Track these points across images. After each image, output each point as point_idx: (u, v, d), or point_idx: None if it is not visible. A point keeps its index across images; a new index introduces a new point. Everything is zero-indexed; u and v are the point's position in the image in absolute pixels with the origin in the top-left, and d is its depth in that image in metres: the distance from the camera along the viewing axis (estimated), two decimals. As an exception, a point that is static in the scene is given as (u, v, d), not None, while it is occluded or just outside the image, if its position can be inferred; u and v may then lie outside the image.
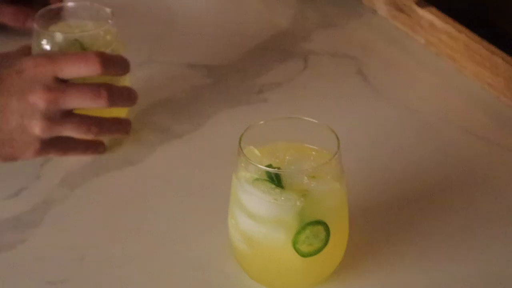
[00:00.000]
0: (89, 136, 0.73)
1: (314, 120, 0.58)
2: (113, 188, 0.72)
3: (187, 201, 0.69)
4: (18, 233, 0.64)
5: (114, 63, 0.74)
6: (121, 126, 0.77)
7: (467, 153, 0.76)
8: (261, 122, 0.59)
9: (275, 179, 0.52)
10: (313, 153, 0.56)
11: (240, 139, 0.54)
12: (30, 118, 0.70)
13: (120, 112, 0.78)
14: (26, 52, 0.79)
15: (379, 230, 0.64)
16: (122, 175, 0.74)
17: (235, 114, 0.82)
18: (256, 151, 0.55)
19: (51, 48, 0.78)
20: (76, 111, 0.72)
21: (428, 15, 0.91)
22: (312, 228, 0.51)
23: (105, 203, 0.70)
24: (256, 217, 0.53)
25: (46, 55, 0.75)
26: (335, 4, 1.05)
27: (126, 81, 0.77)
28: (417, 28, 0.95)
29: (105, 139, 0.76)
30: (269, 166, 0.52)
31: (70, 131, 0.72)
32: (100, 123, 0.74)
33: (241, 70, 0.91)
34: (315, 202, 0.52)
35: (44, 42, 0.78)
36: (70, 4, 0.83)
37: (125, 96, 0.75)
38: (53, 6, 0.82)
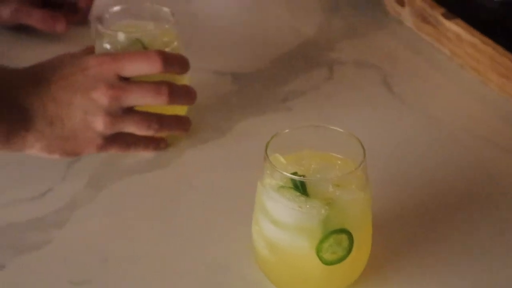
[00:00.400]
0: (149, 133, 0.74)
1: (339, 129, 0.58)
2: (138, 191, 0.72)
3: (211, 206, 0.69)
4: (43, 233, 0.65)
5: (174, 62, 0.75)
6: (181, 123, 0.77)
7: (490, 163, 0.76)
8: (287, 130, 0.58)
9: (300, 187, 0.51)
10: (339, 162, 0.56)
11: (267, 146, 0.54)
12: (93, 114, 0.71)
13: (180, 110, 0.79)
14: (90, 52, 0.80)
15: (402, 239, 0.63)
16: (147, 178, 0.74)
17: (261, 121, 0.82)
18: (282, 159, 0.55)
19: (114, 47, 0.79)
20: (138, 108, 0.73)
21: (454, 27, 0.90)
22: (336, 237, 0.51)
23: (130, 206, 0.70)
24: (281, 224, 0.52)
25: (109, 54, 0.76)
26: (361, 14, 1.06)
27: (185, 79, 0.78)
28: (442, 39, 0.94)
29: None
30: (295, 173, 0.51)
31: (131, 128, 0.73)
32: (160, 120, 0.75)
33: (266, 78, 0.91)
34: (339, 211, 0.52)
35: (106, 41, 0.79)
36: (131, 5, 0.85)
37: (185, 94, 0.76)
38: (115, 8, 0.83)
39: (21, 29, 1.00)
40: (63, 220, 0.67)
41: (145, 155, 0.76)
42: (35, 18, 0.99)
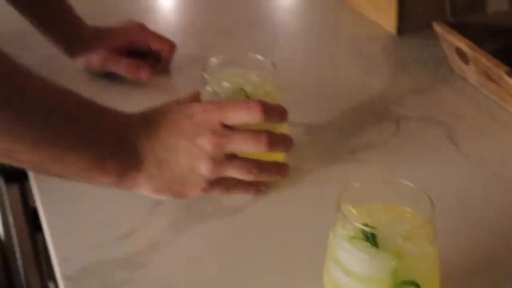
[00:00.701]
0: (249, 178, 0.75)
1: (409, 183, 0.58)
2: (215, 235, 0.73)
3: (284, 254, 0.69)
4: (127, 272, 0.67)
5: (274, 112, 0.76)
6: (279, 169, 0.78)
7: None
8: (358, 183, 0.59)
9: (371, 238, 0.52)
10: (408, 215, 0.56)
11: (339, 197, 0.55)
12: (198, 159, 0.72)
13: (278, 156, 0.79)
14: (196, 98, 0.82)
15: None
16: (224, 223, 0.75)
17: (331, 171, 0.82)
18: (353, 210, 0.56)
19: (218, 95, 0.81)
20: (239, 154, 0.74)
21: None
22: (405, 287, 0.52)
23: (207, 250, 0.71)
24: (352, 274, 0.53)
25: (214, 102, 0.78)
26: (426, 71, 1.05)
27: (283, 128, 0.79)
28: (507, 97, 0.94)
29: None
30: (365, 225, 0.52)
31: (233, 172, 0.74)
32: (260, 166, 0.75)
33: (337, 130, 0.91)
34: (408, 263, 0.53)
35: (211, 89, 0.81)
36: (235, 54, 0.88)
37: (283, 142, 0.76)
38: (219, 57, 0.85)
39: (109, 76, 1.02)
40: (145, 260, 0.69)
41: (225, 199, 0.77)
42: (122, 66, 1.02)
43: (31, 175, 0.86)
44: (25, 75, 0.69)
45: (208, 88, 0.81)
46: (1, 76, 0.65)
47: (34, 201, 0.84)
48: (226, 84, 0.81)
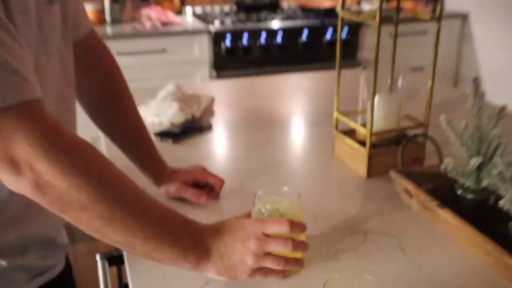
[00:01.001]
0: (279, 267, 0.77)
1: (370, 277, 0.62)
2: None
3: None
4: None
5: (297, 227, 0.77)
6: (298, 262, 0.80)
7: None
8: (337, 275, 0.62)
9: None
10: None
11: (324, 285, 0.60)
12: (247, 254, 0.74)
13: (298, 254, 0.81)
14: (248, 215, 0.84)
15: None
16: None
17: (321, 267, 0.83)
18: None
19: (263, 214, 0.82)
20: (274, 252, 0.77)
21: (444, 213, 0.91)
22: None
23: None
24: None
25: (259, 219, 0.79)
26: (385, 202, 1.05)
27: (302, 236, 0.80)
28: (437, 220, 0.95)
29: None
30: None
31: (269, 264, 0.76)
32: (286, 260, 0.77)
33: (325, 238, 0.92)
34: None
35: (259, 209, 0.82)
36: (274, 188, 0.88)
37: (302, 246, 0.78)
38: (263, 189, 0.85)
39: (181, 199, 1.03)
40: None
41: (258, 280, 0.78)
42: (189, 193, 1.02)
43: (126, 259, 0.86)
44: (117, 175, 0.68)
45: (256, 208, 0.83)
46: (97, 175, 0.65)
47: (127, 279, 0.84)
48: (268, 206, 0.83)
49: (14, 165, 0.61)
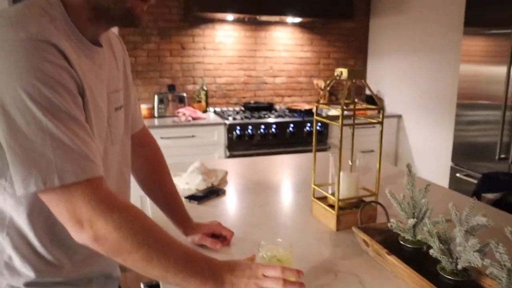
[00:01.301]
0: None
1: None
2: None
3: None
4: None
5: (289, 272, 0.74)
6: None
7: None
8: None
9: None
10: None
11: None
12: (249, 287, 0.71)
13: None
14: (252, 259, 0.81)
15: None
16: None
17: None
18: None
19: (265, 259, 0.79)
20: None
21: (392, 259, 0.90)
22: None
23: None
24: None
25: (261, 264, 0.75)
26: (350, 249, 1.02)
27: (292, 278, 0.75)
28: (387, 264, 0.92)
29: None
30: None
31: None
32: None
33: (305, 277, 0.87)
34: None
35: (261, 255, 0.80)
36: (273, 240, 0.84)
37: (298, 286, 0.73)
38: (265, 241, 0.81)
39: (203, 246, 0.99)
40: None
41: None
42: (208, 242, 1.00)
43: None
44: (154, 228, 0.66)
45: (260, 254, 0.81)
46: (139, 228, 0.63)
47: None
48: (268, 253, 0.81)
49: (79, 223, 0.62)
